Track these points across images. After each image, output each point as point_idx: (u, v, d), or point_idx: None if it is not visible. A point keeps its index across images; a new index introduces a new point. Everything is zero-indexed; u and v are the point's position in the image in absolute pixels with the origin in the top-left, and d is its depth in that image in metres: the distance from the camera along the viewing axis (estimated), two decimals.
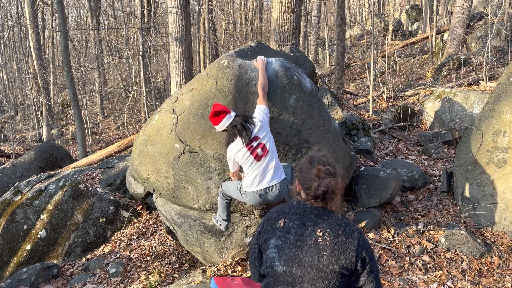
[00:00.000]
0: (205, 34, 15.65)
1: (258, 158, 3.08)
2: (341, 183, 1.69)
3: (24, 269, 4.91)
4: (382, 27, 19.00)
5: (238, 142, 3.06)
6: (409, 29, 20.18)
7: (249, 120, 3.09)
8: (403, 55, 16.22)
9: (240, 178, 3.35)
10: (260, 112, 3.19)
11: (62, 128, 17.46)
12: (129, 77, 17.26)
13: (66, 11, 16.28)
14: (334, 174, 1.70)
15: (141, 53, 10.51)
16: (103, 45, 19.51)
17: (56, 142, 14.80)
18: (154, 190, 4.09)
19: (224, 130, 3.18)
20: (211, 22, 16.24)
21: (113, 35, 19.40)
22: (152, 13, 14.78)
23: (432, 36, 14.33)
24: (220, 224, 3.62)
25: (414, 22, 20.81)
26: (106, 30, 19.34)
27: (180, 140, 3.66)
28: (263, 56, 3.51)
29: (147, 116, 11.20)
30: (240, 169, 3.31)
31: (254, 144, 3.07)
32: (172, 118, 3.73)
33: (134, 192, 4.49)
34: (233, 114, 3.12)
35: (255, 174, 3.09)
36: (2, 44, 16.30)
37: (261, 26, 18.73)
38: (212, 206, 3.75)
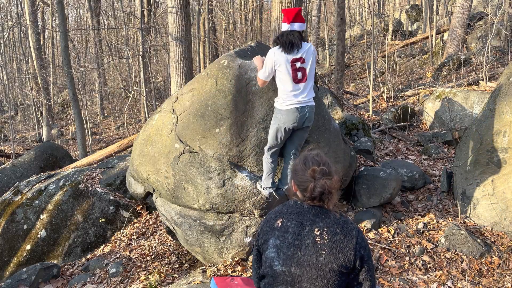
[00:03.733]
0: (205, 34, 15.66)
1: (296, 80, 3.22)
2: (336, 180, 1.69)
3: (24, 269, 4.90)
4: (382, 27, 18.99)
5: (278, 50, 3.21)
6: (409, 29, 20.17)
7: (302, 40, 3.23)
8: (403, 55, 16.22)
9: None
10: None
11: (62, 128, 17.45)
12: (129, 77, 17.27)
13: (66, 11, 16.26)
14: (329, 173, 1.69)
15: (141, 53, 10.50)
16: (103, 45, 19.50)
17: (56, 142, 14.79)
18: (154, 190, 4.10)
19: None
20: (211, 22, 16.25)
21: (113, 35, 19.39)
22: (152, 13, 14.77)
23: (432, 36, 14.34)
24: (264, 189, 3.64)
25: (414, 22, 20.81)
26: (106, 30, 19.33)
27: (180, 140, 3.66)
28: (259, 56, 3.51)
29: (147, 116, 11.20)
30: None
31: (298, 65, 3.21)
32: (172, 118, 3.73)
33: (134, 192, 4.49)
34: (292, 26, 3.21)
35: (290, 93, 3.22)
36: (2, 44, 16.30)
37: (261, 26, 18.72)
38: (212, 206, 3.75)
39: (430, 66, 13.41)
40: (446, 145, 6.19)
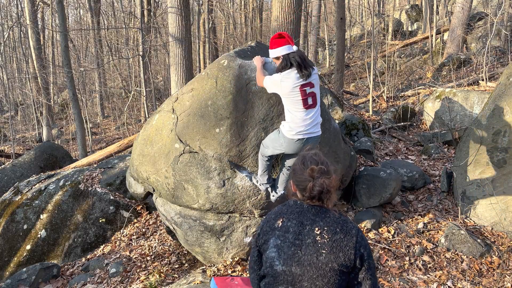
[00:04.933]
0: (205, 34, 15.66)
1: (306, 106, 3.00)
2: (335, 179, 1.69)
3: (24, 269, 4.90)
4: (382, 27, 19.00)
5: (292, 73, 2.96)
6: (409, 29, 20.18)
7: (308, 62, 3.01)
8: (403, 55, 16.22)
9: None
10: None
11: (62, 128, 17.46)
12: (129, 77, 17.28)
13: (66, 11, 16.26)
14: (328, 172, 1.69)
15: (141, 53, 10.50)
16: (103, 45, 19.50)
17: (56, 142, 14.80)
18: (154, 190, 4.09)
19: (276, 58, 3.07)
20: (211, 22, 16.24)
21: (113, 35, 19.39)
22: (152, 13, 14.77)
23: (432, 36, 14.34)
24: (260, 185, 3.59)
25: (414, 22, 20.82)
26: (106, 30, 19.33)
27: (180, 140, 3.66)
28: (259, 56, 3.50)
29: (147, 116, 11.19)
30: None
31: (308, 90, 2.99)
32: (172, 118, 3.73)
33: (134, 192, 4.49)
34: (295, 48, 3.00)
35: (300, 122, 3.02)
36: (2, 44, 16.31)
37: (261, 26, 18.72)
38: (212, 206, 3.75)
39: (430, 66, 13.41)
40: (446, 145, 6.19)
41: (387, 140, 6.47)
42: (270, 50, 3.09)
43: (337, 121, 6.10)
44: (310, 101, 3.02)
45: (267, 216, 1.83)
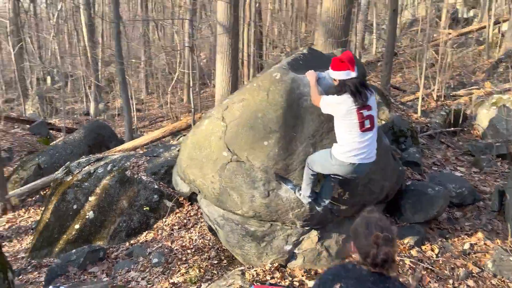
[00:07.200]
0: (250, 16, 15.45)
1: (363, 128, 2.97)
2: (397, 244, 1.66)
3: (73, 250, 5.22)
4: (434, 13, 17.97)
5: (348, 99, 2.95)
6: (464, 16, 18.98)
7: (366, 86, 3.00)
8: (455, 45, 15.35)
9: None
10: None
11: (108, 102, 18.05)
12: (174, 56, 17.45)
13: None
14: (392, 239, 1.66)
15: (189, 45, 10.50)
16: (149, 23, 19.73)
17: (102, 117, 15.39)
18: (199, 192, 4.19)
19: (335, 80, 3.08)
20: (257, 4, 15.98)
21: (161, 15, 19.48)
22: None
23: (489, 26, 13.41)
24: (302, 197, 3.61)
25: (471, 9, 19.55)
26: (155, 18, 19.41)
27: (228, 148, 3.70)
28: (312, 71, 3.42)
29: (190, 100, 11.31)
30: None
31: (365, 113, 2.96)
32: (221, 126, 3.76)
33: (180, 191, 4.62)
34: (354, 74, 2.96)
35: (355, 145, 2.99)
36: (56, 16, 16.92)
37: (307, 9, 18.21)
38: (255, 214, 3.80)
39: (485, 59, 12.63)
40: (500, 158, 5.87)
41: (435, 147, 6.24)
42: (330, 70, 3.07)
43: (383, 122, 5.92)
44: (367, 123, 2.97)
45: (323, 276, 1.81)
